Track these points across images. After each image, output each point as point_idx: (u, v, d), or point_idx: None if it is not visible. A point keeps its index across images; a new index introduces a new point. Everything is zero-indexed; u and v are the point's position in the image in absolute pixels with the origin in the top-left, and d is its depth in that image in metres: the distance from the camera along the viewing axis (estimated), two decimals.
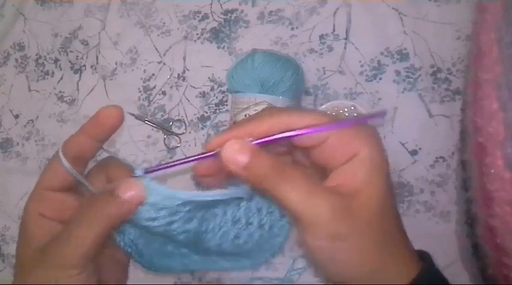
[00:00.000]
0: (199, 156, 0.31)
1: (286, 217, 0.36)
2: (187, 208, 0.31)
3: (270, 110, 0.32)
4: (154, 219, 0.31)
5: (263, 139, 0.29)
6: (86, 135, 0.33)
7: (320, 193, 0.28)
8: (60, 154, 0.33)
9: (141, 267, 0.39)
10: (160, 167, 0.32)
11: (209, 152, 0.30)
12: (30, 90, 0.77)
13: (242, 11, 0.69)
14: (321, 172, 0.31)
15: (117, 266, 0.37)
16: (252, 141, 0.29)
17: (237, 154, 0.28)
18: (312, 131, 0.29)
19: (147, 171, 0.31)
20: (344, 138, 0.29)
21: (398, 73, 0.61)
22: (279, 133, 0.29)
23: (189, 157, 0.32)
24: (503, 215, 0.38)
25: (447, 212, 0.57)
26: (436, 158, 0.58)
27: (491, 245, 0.40)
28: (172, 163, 0.32)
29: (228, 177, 0.32)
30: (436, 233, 0.57)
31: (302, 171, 0.30)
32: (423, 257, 0.33)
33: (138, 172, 0.31)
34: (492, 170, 0.38)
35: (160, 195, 0.30)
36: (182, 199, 0.30)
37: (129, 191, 0.30)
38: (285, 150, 0.33)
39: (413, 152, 0.59)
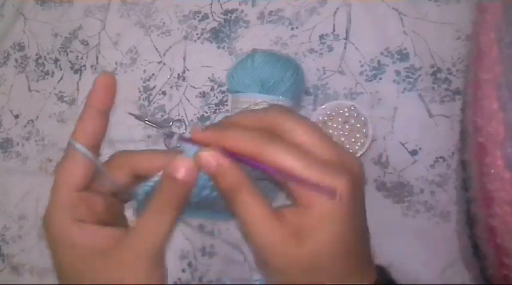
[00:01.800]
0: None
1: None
2: None
3: (265, 116, 0.32)
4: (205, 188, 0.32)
5: (232, 156, 0.30)
6: (93, 108, 0.32)
7: (272, 221, 0.29)
8: (79, 145, 0.31)
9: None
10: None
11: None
12: (30, 90, 0.77)
13: (242, 11, 0.69)
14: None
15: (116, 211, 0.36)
16: (222, 151, 0.30)
17: (208, 163, 0.30)
18: (274, 172, 0.30)
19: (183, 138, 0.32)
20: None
21: (398, 73, 0.61)
22: (249, 158, 0.30)
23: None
24: (503, 215, 0.38)
25: (447, 212, 0.57)
26: (436, 158, 0.58)
27: (491, 245, 0.40)
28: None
29: None
30: (436, 233, 0.57)
31: (262, 197, 0.30)
32: (383, 275, 0.34)
33: (187, 147, 0.31)
34: (492, 170, 0.38)
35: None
36: None
37: (183, 170, 0.29)
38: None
39: (413, 152, 0.59)
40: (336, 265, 0.30)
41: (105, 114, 0.32)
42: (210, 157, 0.30)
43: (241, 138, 0.30)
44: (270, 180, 0.33)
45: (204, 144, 0.31)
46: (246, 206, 0.30)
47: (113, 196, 0.33)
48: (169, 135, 0.33)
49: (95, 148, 0.32)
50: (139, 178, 0.33)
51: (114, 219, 0.33)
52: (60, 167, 0.32)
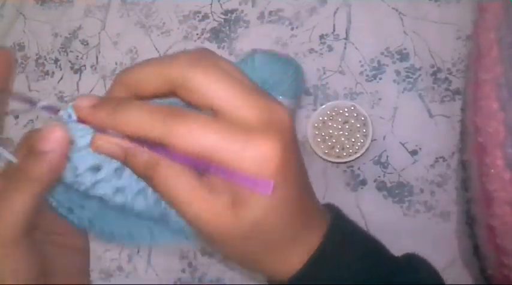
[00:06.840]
0: None
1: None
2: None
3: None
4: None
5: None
6: None
7: (203, 191, 0.26)
8: None
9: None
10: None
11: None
12: (30, 90, 0.77)
13: (242, 11, 0.69)
14: None
15: (75, 254, 0.32)
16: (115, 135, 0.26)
17: (111, 151, 0.27)
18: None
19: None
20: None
21: (398, 73, 0.61)
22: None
23: None
24: (503, 215, 0.38)
25: (447, 212, 0.57)
26: (436, 158, 0.58)
27: (491, 246, 0.40)
28: None
29: None
30: (436, 233, 0.57)
31: (185, 167, 0.27)
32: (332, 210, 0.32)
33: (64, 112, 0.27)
34: (492, 170, 0.38)
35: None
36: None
37: (50, 140, 0.26)
38: None
39: (413, 152, 0.59)
40: (279, 230, 0.27)
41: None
42: (111, 145, 0.26)
43: (139, 122, 0.25)
44: None
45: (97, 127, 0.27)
46: (169, 179, 0.26)
47: None
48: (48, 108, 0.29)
49: None
50: None
51: None
52: None
